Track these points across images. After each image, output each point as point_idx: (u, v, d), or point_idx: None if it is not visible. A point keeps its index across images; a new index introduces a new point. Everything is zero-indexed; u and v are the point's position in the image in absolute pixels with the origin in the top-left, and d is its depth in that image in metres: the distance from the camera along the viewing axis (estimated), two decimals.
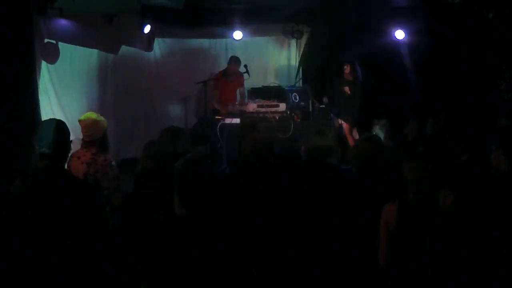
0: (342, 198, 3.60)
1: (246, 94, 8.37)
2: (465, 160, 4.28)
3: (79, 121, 4.15)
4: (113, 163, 4.08)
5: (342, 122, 7.82)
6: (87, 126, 4.11)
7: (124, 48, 7.85)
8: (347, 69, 7.67)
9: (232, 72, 8.03)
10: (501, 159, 3.54)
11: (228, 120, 7.22)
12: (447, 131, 4.91)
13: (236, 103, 7.76)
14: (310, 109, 7.60)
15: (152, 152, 4.39)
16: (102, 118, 4.23)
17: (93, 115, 4.19)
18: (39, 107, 6.41)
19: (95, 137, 4.11)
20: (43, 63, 6.72)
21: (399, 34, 8.15)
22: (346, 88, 7.68)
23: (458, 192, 2.58)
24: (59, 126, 3.03)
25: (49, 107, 7.07)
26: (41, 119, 6.38)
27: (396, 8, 7.90)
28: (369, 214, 3.34)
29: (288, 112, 7.33)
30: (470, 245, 2.49)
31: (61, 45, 6.84)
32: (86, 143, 4.11)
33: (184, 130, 4.62)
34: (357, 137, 7.45)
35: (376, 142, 3.96)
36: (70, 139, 3.12)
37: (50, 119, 3.20)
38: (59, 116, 7.06)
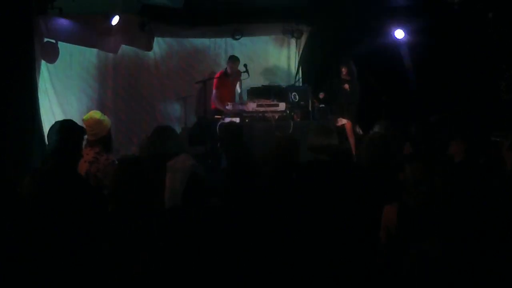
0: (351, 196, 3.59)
1: (246, 93, 8.36)
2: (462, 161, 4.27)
3: (84, 120, 4.13)
4: (116, 162, 4.07)
5: (344, 121, 7.83)
6: (91, 125, 4.09)
7: (123, 48, 7.83)
8: (344, 70, 7.88)
9: (232, 71, 8.05)
10: (507, 158, 3.54)
11: (227, 120, 7.21)
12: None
13: (236, 102, 7.77)
14: (310, 108, 7.61)
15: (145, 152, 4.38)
16: (105, 117, 4.22)
17: (97, 114, 4.18)
18: (39, 106, 6.40)
19: (99, 136, 4.10)
20: (43, 63, 6.71)
21: (399, 34, 8.15)
22: (346, 86, 7.82)
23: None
24: (63, 128, 3.00)
25: (49, 107, 7.06)
26: (40, 118, 6.39)
27: (396, 7, 7.90)
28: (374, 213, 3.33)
29: (288, 112, 7.32)
30: (466, 247, 2.49)
31: (60, 44, 6.83)
32: (91, 142, 4.10)
33: (175, 130, 4.58)
34: (361, 133, 7.60)
35: (386, 139, 4.02)
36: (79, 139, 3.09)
37: (58, 121, 3.16)
38: (58, 115, 7.06)
